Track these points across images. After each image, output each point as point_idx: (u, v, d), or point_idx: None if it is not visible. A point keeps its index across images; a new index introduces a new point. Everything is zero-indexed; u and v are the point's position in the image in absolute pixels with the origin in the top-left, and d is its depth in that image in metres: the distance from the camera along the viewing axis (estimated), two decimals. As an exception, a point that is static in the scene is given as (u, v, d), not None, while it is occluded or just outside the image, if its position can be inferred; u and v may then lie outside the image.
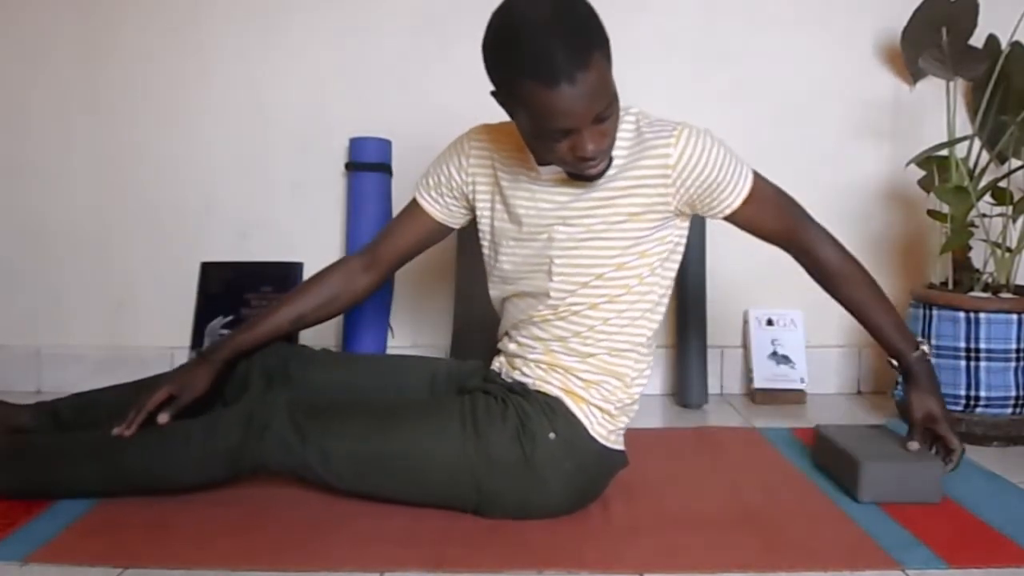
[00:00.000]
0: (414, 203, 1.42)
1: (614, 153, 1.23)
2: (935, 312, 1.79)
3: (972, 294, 1.79)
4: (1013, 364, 1.73)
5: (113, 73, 2.13)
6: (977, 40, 1.91)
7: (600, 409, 1.29)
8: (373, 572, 1.11)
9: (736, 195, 1.28)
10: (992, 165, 1.95)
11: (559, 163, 1.21)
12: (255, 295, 2.10)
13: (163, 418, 1.29)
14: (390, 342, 2.08)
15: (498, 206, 1.34)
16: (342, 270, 1.45)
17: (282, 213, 2.15)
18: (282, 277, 2.10)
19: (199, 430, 1.28)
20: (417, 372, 1.45)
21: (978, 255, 1.92)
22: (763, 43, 2.12)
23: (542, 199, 1.29)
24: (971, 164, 1.88)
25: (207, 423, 1.29)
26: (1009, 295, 1.79)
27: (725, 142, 1.27)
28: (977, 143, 1.90)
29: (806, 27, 2.13)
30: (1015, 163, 1.94)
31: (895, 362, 1.42)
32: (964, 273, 1.87)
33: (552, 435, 1.25)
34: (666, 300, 1.33)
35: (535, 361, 1.32)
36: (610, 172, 1.24)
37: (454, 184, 1.37)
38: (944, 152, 1.83)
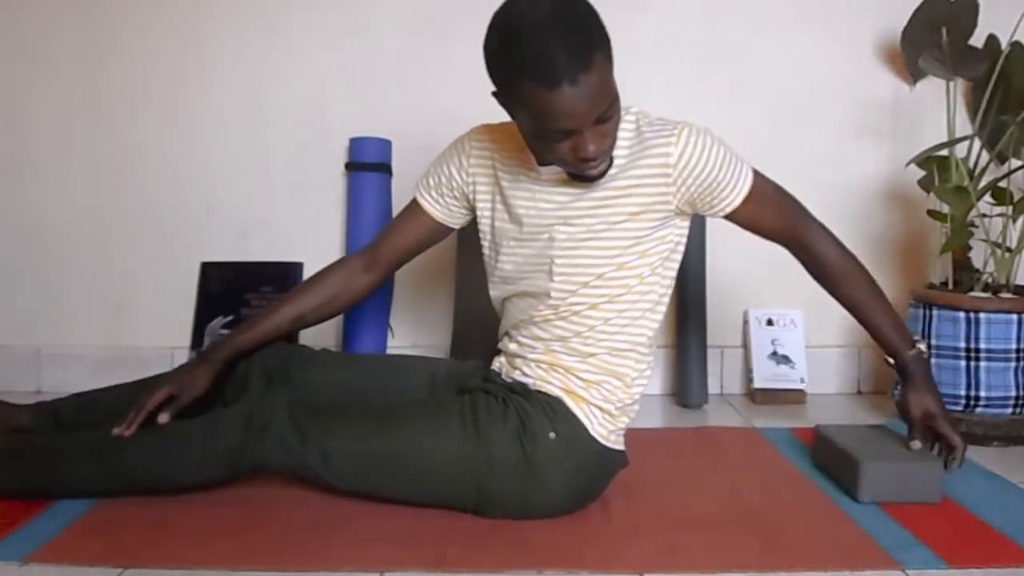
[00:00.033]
0: (414, 203, 1.42)
1: (615, 153, 1.23)
2: (935, 312, 1.79)
3: (972, 294, 1.79)
4: (1013, 364, 1.73)
5: (113, 73, 2.13)
6: (977, 40, 1.91)
7: (600, 409, 1.29)
8: (373, 572, 1.11)
9: (737, 193, 1.28)
10: (992, 165, 1.95)
11: (560, 164, 1.21)
12: (255, 295, 2.10)
13: (163, 418, 1.29)
14: (390, 342, 2.08)
15: (498, 206, 1.34)
16: (342, 270, 1.45)
17: (282, 213, 2.15)
18: (282, 277, 2.10)
19: (199, 430, 1.28)
20: (417, 372, 1.45)
21: (978, 255, 1.92)
22: (763, 43, 2.12)
23: (543, 199, 1.29)
24: (971, 164, 1.88)
25: (207, 423, 1.29)
26: (1009, 295, 1.79)
27: (725, 140, 1.27)
28: (977, 143, 1.90)
29: (806, 27, 2.13)
30: (1015, 163, 1.94)
31: (892, 360, 1.42)
32: (964, 273, 1.87)
33: (552, 435, 1.25)
34: (666, 300, 1.33)
35: (535, 361, 1.32)
36: (611, 172, 1.24)
37: (455, 184, 1.37)
38: (944, 152, 1.83)
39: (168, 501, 1.31)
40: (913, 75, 2.09)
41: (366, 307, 1.97)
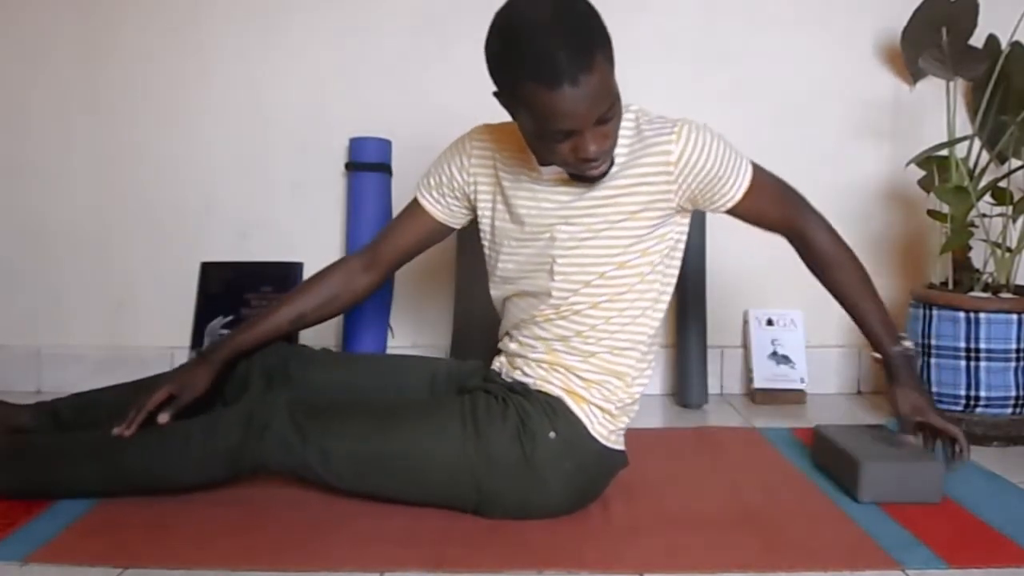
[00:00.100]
0: (415, 203, 1.42)
1: (615, 151, 1.23)
2: (935, 312, 1.79)
3: (972, 294, 1.79)
4: (1013, 364, 1.73)
5: (113, 73, 2.13)
6: (977, 40, 1.91)
7: (601, 409, 1.29)
8: (373, 572, 1.11)
9: (737, 188, 1.28)
10: (992, 165, 1.95)
11: (561, 164, 1.21)
12: (255, 295, 2.10)
13: (163, 418, 1.29)
14: (390, 342, 2.08)
15: (499, 206, 1.34)
16: (342, 270, 1.45)
17: (282, 213, 2.15)
18: (282, 277, 2.10)
19: (199, 430, 1.28)
20: (417, 372, 1.45)
21: (978, 255, 1.92)
22: (763, 43, 2.12)
23: (544, 199, 1.29)
24: (971, 164, 1.88)
25: (207, 423, 1.29)
26: (1009, 295, 1.79)
27: (723, 135, 1.27)
28: (977, 143, 1.90)
29: (806, 27, 2.13)
30: (1015, 163, 1.94)
31: (878, 355, 1.43)
32: (964, 273, 1.87)
33: (552, 435, 1.25)
34: (667, 297, 1.33)
35: (536, 361, 1.32)
36: (611, 171, 1.24)
37: (455, 184, 1.37)
38: (944, 152, 1.83)
39: (168, 501, 1.31)
40: (913, 75, 2.09)
41: (366, 307, 1.97)
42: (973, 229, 1.86)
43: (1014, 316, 1.73)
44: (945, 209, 1.86)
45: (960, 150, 1.87)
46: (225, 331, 2.06)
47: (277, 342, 1.44)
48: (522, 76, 1.09)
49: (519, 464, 1.24)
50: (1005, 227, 1.86)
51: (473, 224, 1.42)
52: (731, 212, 1.32)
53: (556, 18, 1.08)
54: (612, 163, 1.23)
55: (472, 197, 1.37)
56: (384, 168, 2.07)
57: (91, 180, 2.15)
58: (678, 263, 1.34)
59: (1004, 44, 1.90)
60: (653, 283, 1.30)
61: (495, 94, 1.19)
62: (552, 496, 1.27)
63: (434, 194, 1.40)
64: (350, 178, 2.09)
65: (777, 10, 2.12)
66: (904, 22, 1.97)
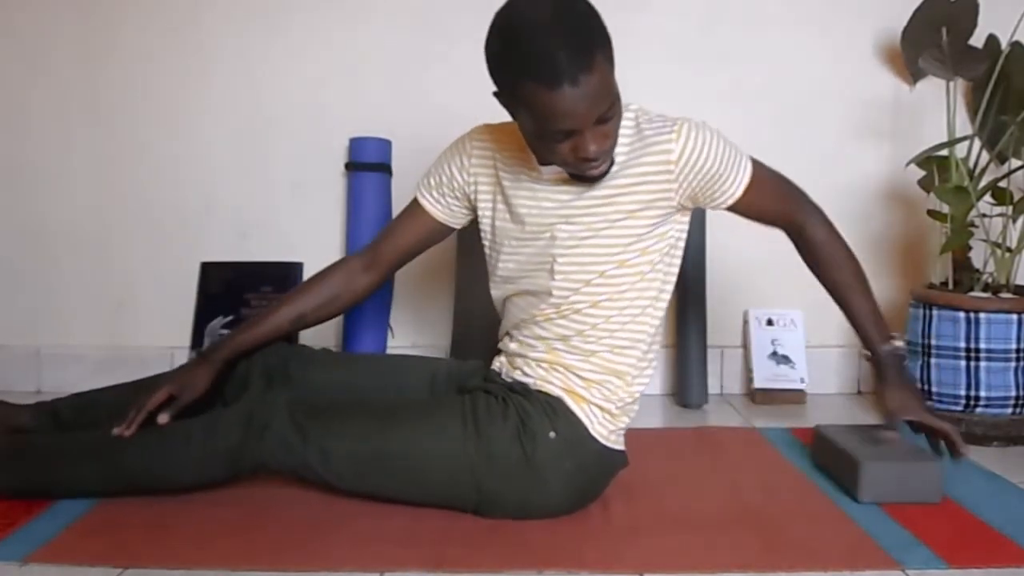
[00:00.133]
0: (415, 203, 1.42)
1: (615, 151, 1.23)
2: (935, 312, 1.79)
3: (972, 294, 1.79)
4: (1013, 364, 1.73)
5: (113, 73, 2.13)
6: (977, 40, 1.91)
7: (601, 408, 1.29)
8: (373, 572, 1.11)
9: (738, 185, 1.28)
10: (992, 165, 1.95)
11: (561, 164, 1.21)
12: (255, 295, 2.10)
13: (163, 418, 1.29)
14: (390, 342, 2.08)
15: (500, 206, 1.34)
16: (343, 270, 1.45)
17: (282, 213, 2.15)
18: (282, 277, 2.10)
19: (199, 430, 1.28)
20: (417, 372, 1.45)
21: (978, 255, 1.92)
22: (763, 43, 2.12)
23: (544, 198, 1.29)
24: (971, 164, 1.88)
25: (207, 423, 1.29)
26: (1009, 295, 1.79)
27: (722, 132, 1.27)
28: (977, 143, 1.90)
29: (806, 27, 2.13)
30: (1015, 163, 1.94)
31: (868, 353, 1.42)
32: (964, 273, 1.87)
33: (552, 434, 1.25)
34: (666, 296, 1.33)
35: (536, 360, 1.32)
36: (611, 170, 1.24)
37: (455, 184, 1.37)
38: (944, 152, 1.83)
39: (168, 501, 1.31)
40: (913, 75, 2.09)
41: (366, 307, 1.97)
42: (973, 229, 1.86)
43: (1014, 316, 1.73)
44: (945, 209, 1.86)
45: (960, 150, 1.87)
46: (225, 331, 2.06)
47: (277, 342, 1.44)
48: (522, 76, 1.09)
49: (519, 464, 1.24)
50: (1005, 227, 1.86)
51: (473, 224, 1.42)
52: (731, 208, 1.32)
53: (556, 18, 1.08)
54: (612, 163, 1.23)
55: (472, 197, 1.37)
56: (384, 168, 2.07)
57: (91, 180, 2.15)
58: (678, 261, 1.34)
59: (1004, 44, 1.90)
60: (653, 281, 1.30)
61: (495, 94, 1.19)
62: (552, 496, 1.27)
63: (434, 194, 1.40)
64: (350, 178, 2.09)
65: (777, 10, 2.12)
66: (904, 22, 1.97)
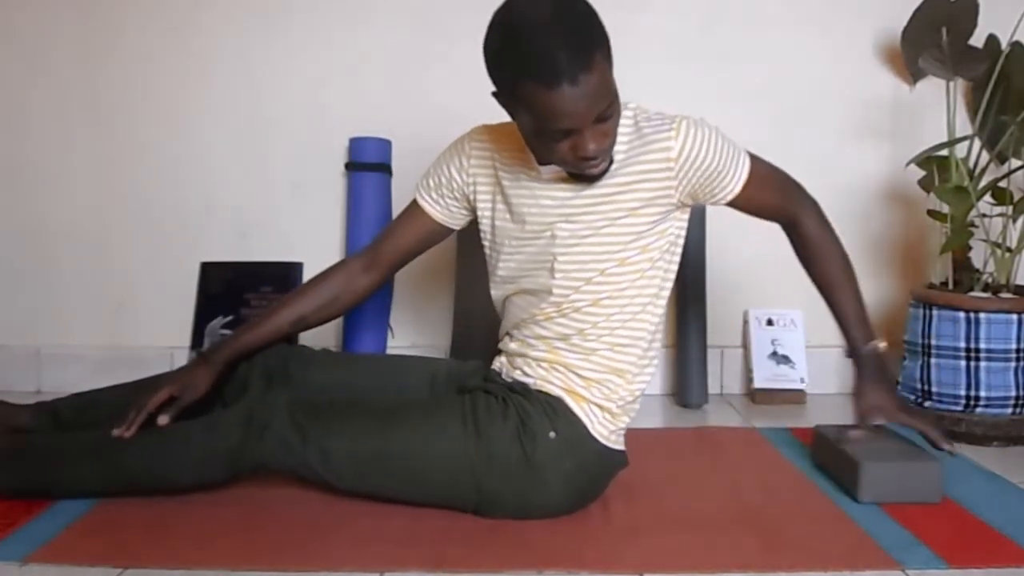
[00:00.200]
0: (414, 204, 1.42)
1: (613, 149, 1.23)
2: (935, 312, 1.79)
3: (972, 294, 1.79)
4: (1013, 364, 1.73)
5: (113, 73, 2.13)
6: (977, 40, 1.91)
7: (601, 408, 1.29)
8: (373, 572, 1.11)
9: (737, 180, 1.29)
10: (992, 165, 1.95)
11: (560, 163, 1.21)
12: (255, 295, 2.10)
13: (163, 419, 1.29)
14: (390, 342, 2.08)
15: (499, 206, 1.34)
16: (343, 271, 1.45)
17: (282, 213, 2.15)
18: (282, 277, 2.10)
19: (199, 430, 1.28)
20: (417, 372, 1.45)
21: (978, 255, 1.92)
22: (763, 43, 2.12)
23: (544, 197, 1.29)
24: (971, 164, 1.88)
25: (207, 423, 1.29)
26: (1009, 295, 1.79)
27: (719, 128, 1.28)
28: (977, 143, 1.90)
29: (806, 27, 2.13)
30: (1015, 163, 1.94)
31: (848, 353, 1.42)
32: (964, 273, 1.87)
33: (552, 434, 1.25)
34: (666, 293, 1.33)
35: (537, 360, 1.32)
36: (611, 168, 1.24)
37: (455, 185, 1.37)
38: (944, 152, 1.83)
39: (168, 501, 1.31)
40: (913, 75, 2.09)
41: (366, 307, 1.97)
42: (973, 229, 1.86)
43: (1014, 316, 1.73)
44: (945, 209, 1.86)
45: (960, 150, 1.87)
46: (225, 331, 2.06)
47: (278, 343, 1.44)
48: (522, 75, 1.09)
49: (519, 464, 1.24)
50: (1005, 227, 1.86)
51: (473, 224, 1.42)
52: (731, 204, 1.32)
53: (557, 18, 1.08)
54: (611, 161, 1.23)
55: (471, 198, 1.37)
56: (384, 168, 2.07)
57: (91, 180, 2.15)
58: (678, 259, 1.34)
59: (1004, 44, 1.90)
60: (653, 279, 1.30)
61: (494, 94, 1.19)
62: (552, 496, 1.27)
63: (433, 195, 1.40)
64: (350, 178, 2.09)
65: (777, 10, 2.12)
66: (904, 22, 1.97)
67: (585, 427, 1.28)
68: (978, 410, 1.73)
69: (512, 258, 1.33)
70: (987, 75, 1.89)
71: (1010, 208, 1.85)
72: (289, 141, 2.14)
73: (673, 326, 2.10)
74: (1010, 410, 1.73)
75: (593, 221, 1.26)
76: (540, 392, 1.29)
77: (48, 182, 2.15)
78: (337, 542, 1.20)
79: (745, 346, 2.17)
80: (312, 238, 2.14)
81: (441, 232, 1.43)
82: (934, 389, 1.78)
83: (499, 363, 1.40)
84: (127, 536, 1.21)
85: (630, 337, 1.30)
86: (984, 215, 1.89)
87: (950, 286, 1.87)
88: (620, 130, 1.24)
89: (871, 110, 2.15)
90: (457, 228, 1.44)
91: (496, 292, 1.39)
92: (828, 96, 2.14)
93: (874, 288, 2.16)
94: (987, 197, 1.90)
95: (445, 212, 1.40)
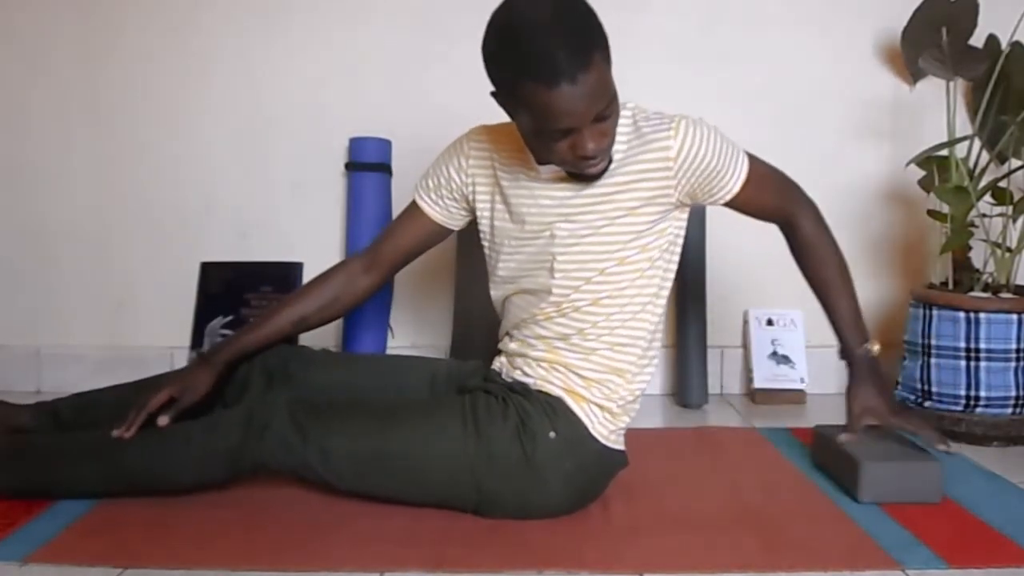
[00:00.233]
0: (414, 205, 1.42)
1: (612, 148, 1.23)
2: (935, 312, 1.79)
3: (972, 294, 1.79)
4: (1013, 364, 1.73)
5: (113, 73, 2.13)
6: (977, 40, 1.91)
7: (601, 408, 1.29)
8: (373, 572, 1.11)
9: (735, 180, 1.29)
10: (992, 165, 1.95)
11: (559, 163, 1.21)
12: (255, 295, 2.10)
13: (163, 420, 1.29)
14: (390, 342, 2.08)
15: (498, 206, 1.34)
16: (343, 272, 1.45)
17: (282, 213, 2.15)
18: (282, 277, 2.10)
19: (199, 430, 1.28)
20: (417, 372, 1.45)
21: (978, 255, 1.92)
22: (763, 43, 2.12)
23: (543, 196, 1.29)
24: (971, 164, 1.88)
25: (207, 423, 1.29)
26: (1009, 295, 1.79)
27: (718, 128, 1.28)
28: (977, 143, 1.90)
29: (806, 27, 2.13)
30: (1015, 163, 1.94)
31: (841, 354, 1.42)
32: (964, 273, 1.87)
33: (552, 434, 1.25)
34: (665, 293, 1.33)
35: (537, 360, 1.32)
36: (610, 167, 1.24)
37: (454, 185, 1.37)
38: (944, 152, 1.83)
39: (168, 501, 1.31)
40: (913, 75, 2.09)
41: (366, 307, 1.96)
42: (973, 229, 1.86)
43: (1014, 316, 1.73)
44: (945, 209, 1.86)
45: (960, 150, 1.87)
46: (225, 331, 2.06)
47: (279, 344, 1.44)
48: (521, 75, 1.09)
49: (519, 464, 1.24)
50: (1005, 227, 1.86)
51: (473, 224, 1.42)
52: (729, 204, 1.32)
53: (557, 18, 1.09)
54: (610, 160, 1.23)
55: (470, 198, 1.37)
56: (384, 168, 2.07)
57: (91, 180, 2.15)
58: (677, 258, 1.34)
59: (1004, 44, 1.90)
60: (653, 278, 1.30)
61: (492, 94, 1.19)
62: (552, 496, 1.27)
63: (432, 196, 1.40)
64: (350, 178, 2.09)
65: (777, 10, 2.12)
66: (904, 22, 1.97)
67: (585, 427, 1.28)
68: (978, 410, 1.73)
69: (512, 258, 1.33)
70: (987, 75, 1.89)
71: (1010, 208, 1.85)
72: (289, 141, 2.14)
73: (673, 326, 2.10)
74: (1010, 410, 1.73)
75: (592, 220, 1.26)
76: (540, 392, 1.29)
77: (48, 182, 2.15)
78: (337, 542, 1.20)
79: (745, 346, 2.17)
80: (312, 238, 2.14)
81: (440, 233, 1.43)
82: (934, 389, 1.78)
83: (499, 363, 1.40)
84: (127, 536, 1.21)
85: (630, 337, 1.30)
86: (984, 215, 1.89)
87: (950, 286, 1.87)
88: (619, 130, 1.24)
89: (871, 110, 2.15)
90: (456, 229, 1.44)
91: (496, 292, 1.39)
92: (828, 96, 2.14)
93: (874, 288, 2.16)
94: (987, 197, 1.90)
95: (444, 213, 1.40)
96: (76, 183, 2.15)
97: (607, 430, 1.30)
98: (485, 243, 1.39)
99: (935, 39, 1.83)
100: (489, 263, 1.39)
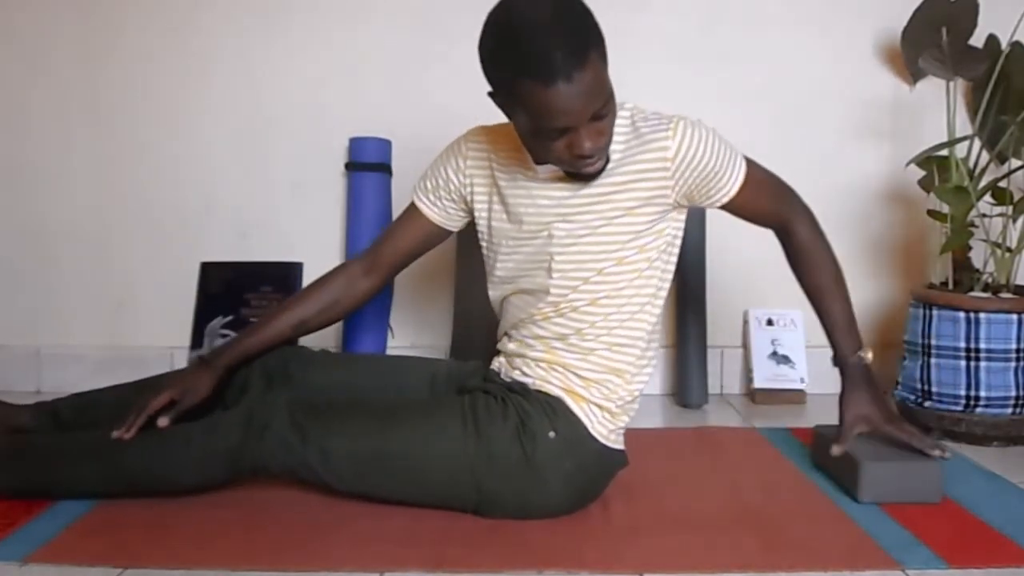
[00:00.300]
0: (412, 206, 1.42)
1: (610, 148, 1.23)
2: (935, 312, 1.78)
3: (972, 294, 1.79)
4: (1013, 364, 1.73)
5: (113, 73, 2.13)
6: (977, 40, 1.91)
7: (600, 408, 1.29)
8: (373, 572, 1.11)
9: (733, 183, 1.29)
10: (992, 165, 1.95)
11: (557, 162, 1.21)
12: (255, 295, 2.10)
13: (163, 422, 1.28)
14: (390, 343, 2.08)
15: (496, 206, 1.34)
16: (343, 274, 1.45)
17: (282, 213, 2.15)
18: (282, 277, 2.10)
19: (199, 431, 1.28)
20: (417, 372, 1.45)
21: (978, 255, 1.92)
22: (763, 43, 2.12)
23: (540, 196, 1.29)
24: (971, 164, 1.88)
25: (207, 424, 1.29)
26: (1009, 295, 1.79)
27: (717, 130, 1.28)
28: (977, 143, 1.90)
29: (806, 27, 2.13)
30: (1015, 163, 1.93)
31: (834, 361, 1.42)
32: (964, 273, 1.87)
33: (552, 434, 1.25)
34: (663, 294, 1.33)
35: (535, 360, 1.32)
36: (607, 167, 1.24)
37: (452, 187, 1.37)
38: (944, 152, 1.83)
39: (168, 501, 1.31)
40: (913, 75, 2.09)
41: (366, 308, 1.96)
42: (973, 229, 1.86)
43: (1014, 316, 1.72)
44: (945, 209, 1.86)
45: (960, 150, 1.87)
46: (225, 331, 2.06)
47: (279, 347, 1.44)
48: (518, 74, 1.10)
49: (519, 464, 1.24)
50: (1005, 227, 1.86)
51: (473, 225, 1.42)
52: (725, 207, 1.32)
53: (556, 18, 1.09)
54: (608, 160, 1.23)
55: (469, 199, 1.37)
56: (384, 168, 2.07)
57: (91, 180, 2.15)
58: (675, 259, 1.34)
59: (1004, 44, 1.90)
60: (651, 279, 1.30)
61: (490, 94, 1.19)
62: (552, 496, 1.27)
63: (431, 197, 1.40)
64: (350, 178, 2.09)
65: (777, 10, 2.12)
66: (904, 22, 1.97)
67: (584, 427, 1.28)
68: (978, 410, 1.73)
69: (510, 258, 1.33)
70: (987, 75, 1.89)
71: (1010, 208, 1.85)
72: (289, 141, 2.14)
73: (673, 326, 2.10)
74: (1010, 410, 1.73)
75: (590, 220, 1.26)
76: (539, 392, 1.29)
77: (48, 182, 2.15)
78: (337, 542, 1.20)
79: (745, 346, 2.17)
80: (312, 238, 2.14)
81: (440, 234, 1.43)
82: (934, 389, 1.78)
83: (498, 363, 1.40)
84: (127, 536, 1.21)
85: (628, 337, 1.30)
86: (984, 215, 1.89)
87: (950, 286, 1.87)
88: (617, 130, 1.24)
89: (871, 110, 2.15)
90: (455, 230, 1.44)
91: (494, 292, 1.39)
92: (828, 96, 2.14)
93: (874, 288, 2.16)
94: (987, 197, 1.90)
95: (443, 214, 1.40)
96: (76, 183, 2.15)
97: (606, 430, 1.30)
98: (483, 243, 1.39)
99: (935, 39, 1.83)
100: (487, 263, 1.39)
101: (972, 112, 2.07)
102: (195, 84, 2.13)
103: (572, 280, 1.28)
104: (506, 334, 1.39)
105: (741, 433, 1.81)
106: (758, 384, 2.10)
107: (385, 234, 1.47)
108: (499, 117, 1.27)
